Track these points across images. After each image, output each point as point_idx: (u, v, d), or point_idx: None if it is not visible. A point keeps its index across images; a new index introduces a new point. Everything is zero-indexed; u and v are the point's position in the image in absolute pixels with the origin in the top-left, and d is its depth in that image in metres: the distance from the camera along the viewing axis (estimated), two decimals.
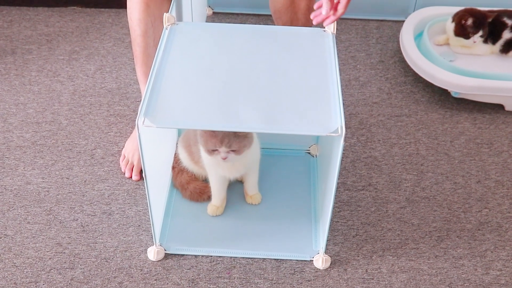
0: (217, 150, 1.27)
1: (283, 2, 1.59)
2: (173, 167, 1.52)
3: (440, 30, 1.94)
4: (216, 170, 1.39)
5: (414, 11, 2.06)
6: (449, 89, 1.78)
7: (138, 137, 1.12)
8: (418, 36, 1.93)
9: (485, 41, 1.87)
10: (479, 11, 1.85)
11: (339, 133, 1.09)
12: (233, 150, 1.27)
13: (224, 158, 1.28)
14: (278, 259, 1.38)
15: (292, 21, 1.61)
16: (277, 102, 1.16)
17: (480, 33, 1.83)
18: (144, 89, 1.55)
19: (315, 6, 1.29)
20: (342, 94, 1.19)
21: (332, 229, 1.45)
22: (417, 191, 1.55)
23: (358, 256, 1.40)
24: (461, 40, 1.87)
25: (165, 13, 1.33)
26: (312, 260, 1.37)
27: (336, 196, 1.20)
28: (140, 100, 1.71)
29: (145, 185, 1.22)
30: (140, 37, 1.45)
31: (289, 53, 1.29)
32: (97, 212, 1.47)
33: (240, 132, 1.26)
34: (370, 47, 2.02)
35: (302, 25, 1.60)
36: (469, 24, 1.83)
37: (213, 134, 1.26)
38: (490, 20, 1.83)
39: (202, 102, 1.16)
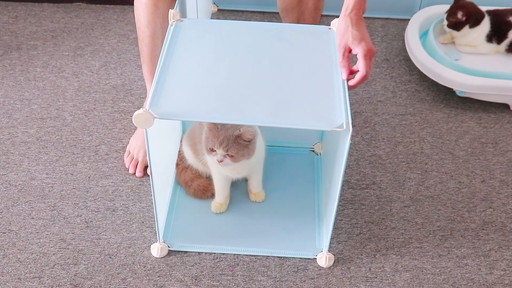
0: (215, 151, 1.27)
1: (290, 1, 1.58)
2: (177, 164, 1.52)
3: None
4: (219, 169, 1.39)
5: (419, 9, 2.05)
6: (454, 88, 1.77)
7: (145, 129, 1.12)
8: (424, 35, 1.92)
9: (489, 40, 1.87)
10: (459, 11, 1.85)
11: (344, 128, 1.09)
12: (230, 156, 1.27)
13: (220, 161, 1.28)
14: (281, 257, 1.38)
15: (299, 21, 1.61)
16: (282, 98, 1.16)
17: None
18: (151, 86, 1.56)
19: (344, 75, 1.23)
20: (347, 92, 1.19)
21: (335, 227, 1.44)
22: (421, 190, 1.55)
23: (361, 255, 1.39)
24: (466, 38, 1.86)
25: (170, 10, 1.32)
26: (316, 258, 1.37)
27: (340, 194, 1.20)
28: (145, 97, 1.72)
29: (151, 182, 1.22)
30: (148, 38, 1.43)
31: (294, 49, 1.29)
32: (101, 208, 1.47)
33: (242, 140, 1.26)
34: (375, 45, 2.02)
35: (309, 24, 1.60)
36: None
37: (216, 134, 1.25)
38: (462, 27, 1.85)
39: (208, 96, 1.16)
